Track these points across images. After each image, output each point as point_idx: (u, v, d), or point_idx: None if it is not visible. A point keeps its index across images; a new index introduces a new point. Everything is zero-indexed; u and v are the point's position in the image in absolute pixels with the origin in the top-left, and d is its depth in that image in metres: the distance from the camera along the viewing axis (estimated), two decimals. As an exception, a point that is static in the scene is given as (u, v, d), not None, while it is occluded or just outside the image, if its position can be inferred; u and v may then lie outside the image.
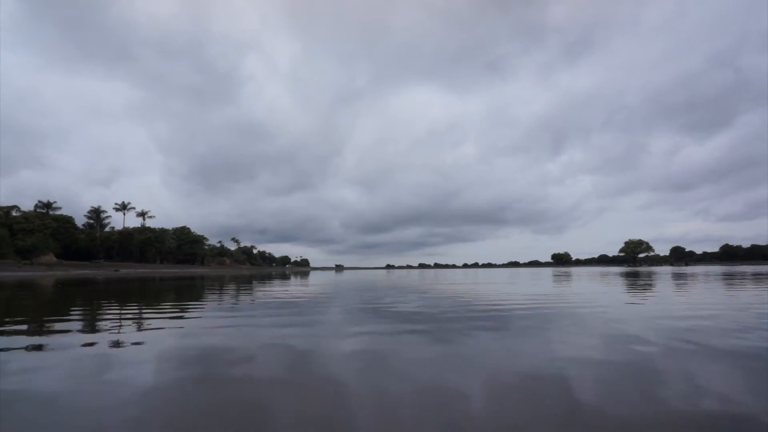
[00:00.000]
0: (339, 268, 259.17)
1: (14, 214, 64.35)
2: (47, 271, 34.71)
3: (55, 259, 63.48)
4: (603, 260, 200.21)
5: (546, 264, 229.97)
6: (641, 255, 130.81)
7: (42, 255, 62.15)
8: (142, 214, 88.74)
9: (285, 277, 32.70)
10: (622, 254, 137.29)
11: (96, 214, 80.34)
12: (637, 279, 20.11)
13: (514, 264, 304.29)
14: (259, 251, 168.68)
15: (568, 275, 28.77)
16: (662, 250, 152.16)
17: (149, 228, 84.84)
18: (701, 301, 8.38)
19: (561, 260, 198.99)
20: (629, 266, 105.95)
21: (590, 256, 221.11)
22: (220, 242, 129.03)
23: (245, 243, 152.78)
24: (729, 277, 20.69)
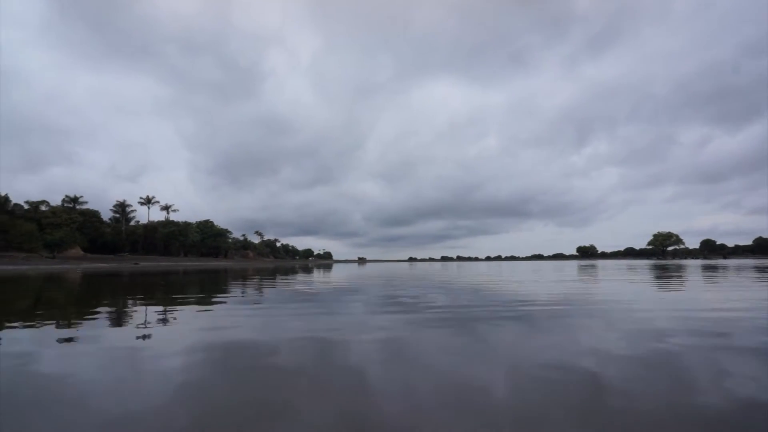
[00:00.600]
0: (361, 260, 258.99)
1: (43, 208, 65.07)
2: (65, 264, 34.07)
3: (81, 252, 64.05)
4: (629, 253, 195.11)
5: (571, 257, 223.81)
6: (670, 248, 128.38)
7: (69, 249, 62.84)
8: (166, 208, 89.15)
9: (308, 269, 32.33)
10: (650, 247, 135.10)
11: (121, 208, 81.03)
12: (666, 272, 19.58)
13: (538, 257, 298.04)
14: (282, 244, 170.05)
15: (593, 268, 28.17)
16: (691, 243, 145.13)
17: (173, 221, 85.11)
18: (739, 296, 7.96)
19: (586, 253, 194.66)
20: (658, 259, 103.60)
21: (616, 249, 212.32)
22: (243, 236, 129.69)
23: (268, 236, 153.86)
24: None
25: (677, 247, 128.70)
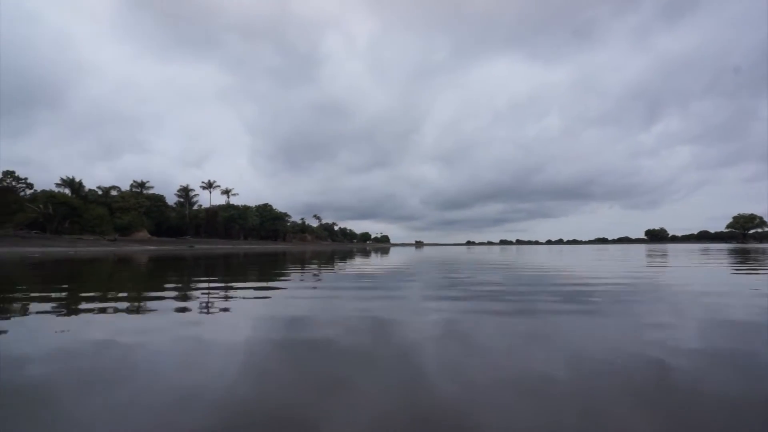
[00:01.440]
0: (419, 244, 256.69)
1: (113, 194, 67.69)
2: (124, 247, 33.08)
3: (148, 235, 65.97)
4: (704, 236, 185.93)
5: (638, 241, 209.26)
6: (751, 231, 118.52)
7: (137, 232, 65.01)
8: (226, 192, 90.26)
9: (366, 253, 32.37)
10: (727, 230, 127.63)
11: (185, 192, 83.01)
12: (750, 256, 18.59)
13: (602, 240, 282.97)
14: (340, 228, 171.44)
15: (664, 252, 26.81)
16: None
17: (233, 205, 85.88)
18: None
19: (656, 236, 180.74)
20: (737, 243, 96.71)
21: (688, 233, 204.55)
22: (302, 219, 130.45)
23: (326, 220, 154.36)
24: None
25: (759, 230, 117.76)
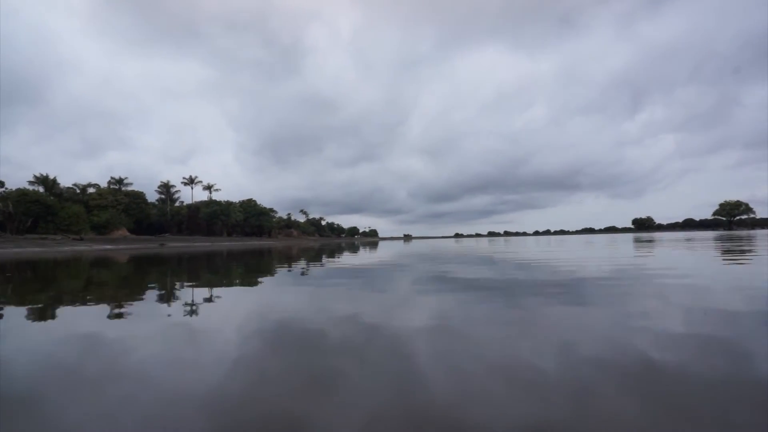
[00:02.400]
0: (407, 237, 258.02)
1: (90, 191, 66.22)
2: (93, 246, 32.41)
3: (127, 233, 64.84)
4: (689, 225, 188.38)
5: (625, 230, 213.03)
6: (737, 218, 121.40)
7: (115, 230, 63.78)
8: (209, 188, 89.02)
9: (353, 248, 32.07)
10: (713, 218, 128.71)
11: (166, 188, 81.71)
12: (738, 243, 19.05)
13: (589, 230, 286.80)
14: (327, 223, 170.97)
15: (651, 241, 27.01)
16: (759, 213, 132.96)
17: (215, 201, 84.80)
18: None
19: (643, 225, 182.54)
20: (724, 230, 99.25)
21: (674, 221, 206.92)
22: (288, 215, 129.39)
23: (314, 215, 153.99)
24: None
25: (744, 217, 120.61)
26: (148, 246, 37.21)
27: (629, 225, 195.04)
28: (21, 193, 51.95)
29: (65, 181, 64.96)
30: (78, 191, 64.54)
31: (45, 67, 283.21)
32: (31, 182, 57.38)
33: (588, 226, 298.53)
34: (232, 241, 73.27)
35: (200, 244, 53.03)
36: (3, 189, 52.38)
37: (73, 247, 32.21)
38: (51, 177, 59.10)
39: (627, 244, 22.08)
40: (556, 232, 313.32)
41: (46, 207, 52.93)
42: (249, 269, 11.34)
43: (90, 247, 32.93)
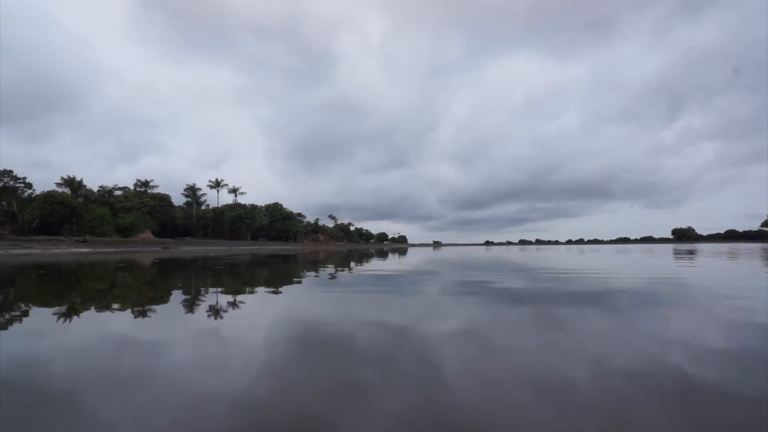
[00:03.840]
0: (437, 244, 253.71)
1: (117, 193, 66.37)
2: (96, 249, 30.55)
3: (151, 236, 64.33)
4: (732, 236, 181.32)
5: (662, 240, 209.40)
6: None
7: (140, 233, 63.41)
8: (234, 191, 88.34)
9: (382, 253, 31.72)
10: (759, 229, 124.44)
11: (192, 191, 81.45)
12: None
13: (624, 240, 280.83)
14: (356, 228, 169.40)
15: (692, 252, 25.62)
16: None
17: (239, 204, 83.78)
18: None
19: (683, 236, 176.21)
20: None
21: (714, 232, 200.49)
22: (317, 219, 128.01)
23: (343, 220, 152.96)
24: None
25: None
26: (151, 249, 34.91)
27: (667, 235, 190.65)
28: (47, 195, 52.05)
29: (102, 185, 65.26)
30: (104, 193, 64.67)
31: (85, 75, 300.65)
32: (58, 184, 57.79)
33: (623, 236, 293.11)
34: (252, 245, 71.42)
35: (216, 248, 50.84)
36: (31, 191, 52.63)
37: (71, 249, 30.20)
38: (77, 179, 59.28)
39: (669, 255, 21.13)
40: (589, 241, 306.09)
41: (71, 209, 52.79)
42: (237, 277, 9.63)
43: (93, 250, 31.01)
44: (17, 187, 51.24)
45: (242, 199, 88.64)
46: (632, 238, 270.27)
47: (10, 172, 50.47)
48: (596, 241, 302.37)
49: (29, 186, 52.67)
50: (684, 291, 6.25)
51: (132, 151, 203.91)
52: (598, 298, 5.51)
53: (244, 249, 47.48)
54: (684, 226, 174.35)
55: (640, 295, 5.88)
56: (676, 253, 25.63)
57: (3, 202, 41.49)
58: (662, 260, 16.08)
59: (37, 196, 52.07)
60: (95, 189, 64.54)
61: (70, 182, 58.44)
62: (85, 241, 33.28)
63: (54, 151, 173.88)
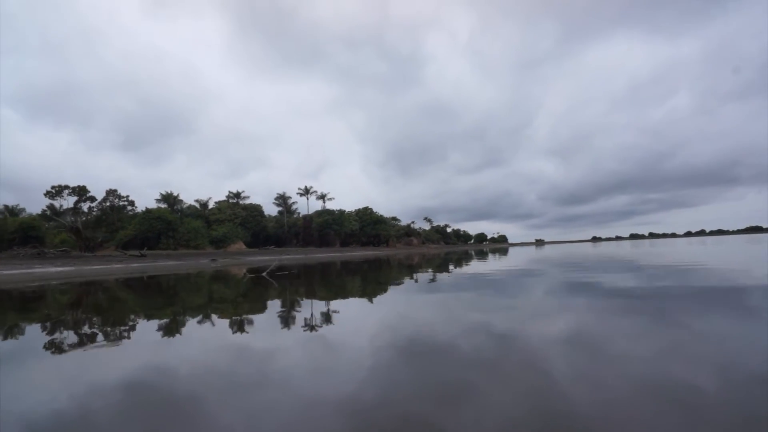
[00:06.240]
0: (539, 242, 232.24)
1: (211, 206, 67.17)
2: (148, 263, 26.63)
3: (244, 247, 63.33)
4: None
5: None
6: None
7: (233, 244, 62.84)
8: (322, 197, 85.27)
9: (482, 254, 30.66)
10: None
11: (283, 200, 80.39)
12: None
13: (756, 229, 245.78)
14: (453, 230, 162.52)
15: None
16: None
17: (327, 210, 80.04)
18: None
19: None
20: None
21: None
22: (411, 222, 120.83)
23: (440, 222, 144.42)
24: None
25: None
26: (200, 263, 29.72)
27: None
28: (146, 211, 53.27)
29: (198, 198, 67.07)
30: (200, 206, 65.71)
31: (194, 100, 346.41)
32: (157, 200, 59.69)
33: (753, 224, 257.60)
34: (340, 251, 65.77)
35: (291, 257, 45.14)
36: (132, 208, 54.43)
37: (115, 265, 26.04)
38: (174, 194, 60.61)
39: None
40: (712, 232, 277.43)
41: (167, 223, 53.24)
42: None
43: (156, 263, 26.80)
44: (122, 205, 53.17)
45: (331, 205, 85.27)
46: (765, 227, 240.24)
47: (115, 191, 52.66)
48: (720, 232, 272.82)
49: (132, 203, 54.56)
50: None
51: (238, 167, 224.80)
52: (724, 296, 5.06)
53: (318, 256, 41.14)
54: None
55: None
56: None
57: (68, 218, 41.80)
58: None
59: (137, 213, 53.52)
60: (192, 202, 66.22)
61: (167, 197, 59.99)
62: (142, 256, 29.88)
63: (173, 172, 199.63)
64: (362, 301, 6.23)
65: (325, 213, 77.87)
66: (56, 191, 47.62)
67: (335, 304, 6.10)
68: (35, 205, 48.28)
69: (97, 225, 49.62)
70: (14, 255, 22.59)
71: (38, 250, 24.63)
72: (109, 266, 24.19)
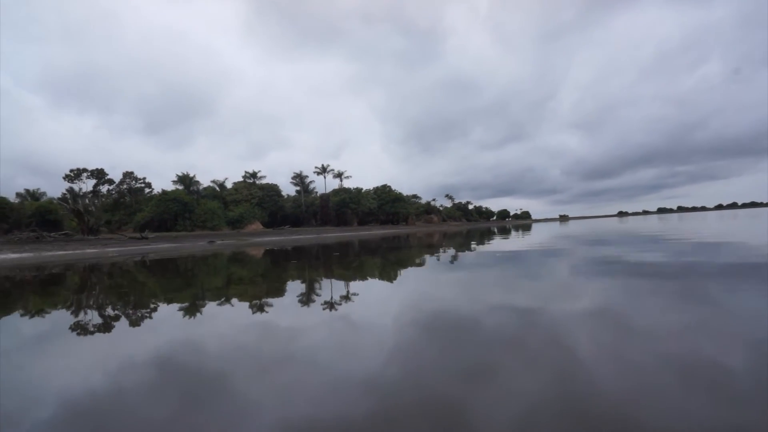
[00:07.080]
0: (563, 218, 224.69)
1: (228, 186, 66.99)
2: (147, 246, 26.03)
3: (261, 227, 63.19)
4: None
5: None
6: None
7: (249, 224, 62.76)
8: (339, 175, 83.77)
9: (504, 231, 29.68)
10: None
11: (300, 179, 79.48)
12: None
13: None
14: (475, 206, 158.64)
15: None
16: None
17: (344, 189, 78.56)
18: None
19: None
20: None
21: None
22: (432, 199, 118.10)
23: (461, 199, 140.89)
24: None
25: None
26: (197, 245, 28.77)
27: None
28: (162, 193, 53.45)
29: (214, 179, 67.01)
30: (216, 187, 65.63)
31: (213, 82, 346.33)
32: (173, 181, 59.82)
33: None
34: (358, 230, 64.45)
35: (300, 237, 43.98)
36: (149, 191, 54.73)
37: (108, 248, 25.40)
38: (190, 175, 60.56)
39: None
40: (744, 205, 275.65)
41: (183, 204, 53.35)
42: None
43: (151, 246, 26.13)
44: (140, 187, 53.48)
45: (350, 183, 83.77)
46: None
47: (131, 173, 52.88)
48: (753, 204, 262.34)
49: (149, 185, 54.84)
50: None
51: (259, 148, 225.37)
52: (755, 272, 4.83)
53: (331, 236, 39.83)
54: None
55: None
56: None
57: (69, 201, 41.98)
58: None
59: (154, 195, 53.79)
60: (209, 183, 66.21)
61: (183, 179, 60.01)
62: (143, 238, 29.38)
63: (195, 155, 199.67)
64: (382, 282, 6.25)
65: (341, 191, 76.47)
66: (75, 174, 48.28)
67: (354, 285, 6.04)
68: (60, 190, 49.25)
69: (115, 208, 50.23)
70: (9, 240, 22.38)
71: (37, 234, 24.42)
72: (89, 250, 23.56)
